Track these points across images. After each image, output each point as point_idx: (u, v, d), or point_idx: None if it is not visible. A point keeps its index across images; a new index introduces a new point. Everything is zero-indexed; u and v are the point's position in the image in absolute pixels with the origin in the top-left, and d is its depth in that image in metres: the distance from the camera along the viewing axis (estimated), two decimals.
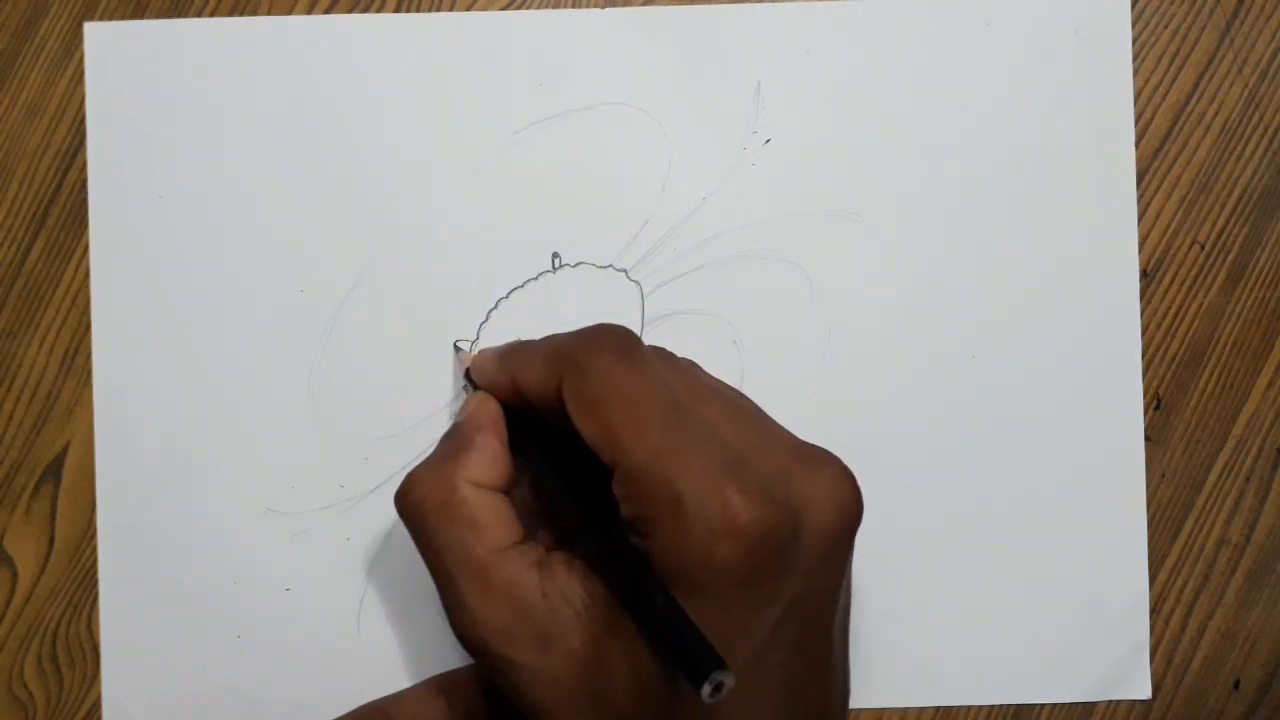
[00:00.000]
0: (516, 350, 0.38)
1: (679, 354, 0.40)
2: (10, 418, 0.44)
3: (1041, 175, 0.44)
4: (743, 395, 0.38)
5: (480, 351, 0.40)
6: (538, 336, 0.43)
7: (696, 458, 0.32)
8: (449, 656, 0.43)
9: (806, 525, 0.32)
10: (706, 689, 0.28)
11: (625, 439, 0.32)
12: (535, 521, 0.38)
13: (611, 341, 0.35)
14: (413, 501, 0.36)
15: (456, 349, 0.44)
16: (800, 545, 0.32)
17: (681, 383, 0.35)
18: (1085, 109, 0.44)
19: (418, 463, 0.43)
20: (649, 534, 0.32)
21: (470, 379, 0.40)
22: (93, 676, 0.44)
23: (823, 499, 0.33)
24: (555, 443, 0.37)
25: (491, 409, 0.38)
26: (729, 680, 0.28)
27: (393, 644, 0.44)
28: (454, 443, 0.37)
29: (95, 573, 0.44)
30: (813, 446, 0.35)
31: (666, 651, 0.30)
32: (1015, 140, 0.44)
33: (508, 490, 0.36)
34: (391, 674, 0.44)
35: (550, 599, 0.33)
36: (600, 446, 0.33)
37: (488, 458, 0.36)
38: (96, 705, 0.44)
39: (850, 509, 0.34)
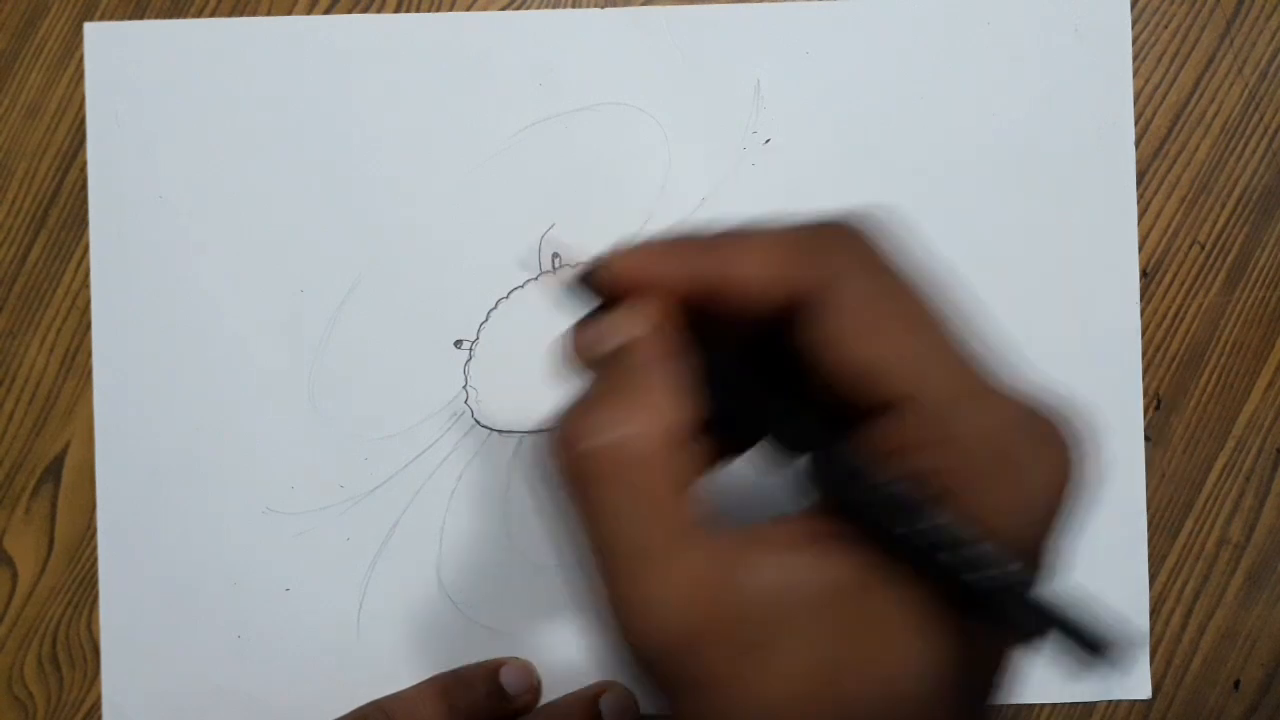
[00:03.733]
0: (723, 242, 0.28)
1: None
2: (10, 418, 0.44)
3: (1041, 174, 0.44)
4: None
5: (636, 245, 0.29)
6: (538, 339, 0.43)
7: (1006, 404, 0.26)
8: (449, 657, 0.43)
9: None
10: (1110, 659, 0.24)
11: (930, 371, 0.26)
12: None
13: (872, 246, 0.28)
14: (584, 456, 0.26)
15: (555, 256, 0.42)
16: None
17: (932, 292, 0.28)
18: (1085, 108, 0.44)
19: (418, 462, 0.44)
20: (957, 490, 0.25)
21: (586, 286, 0.29)
22: (93, 676, 0.44)
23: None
24: (762, 370, 0.29)
25: (665, 327, 0.28)
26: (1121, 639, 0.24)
27: (392, 644, 0.44)
28: (631, 376, 0.27)
29: (95, 573, 0.44)
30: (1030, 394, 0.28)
31: (1060, 640, 0.24)
32: (1015, 139, 0.44)
33: (698, 441, 0.28)
34: (391, 674, 0.44)
35: (768, 586, 0.25)
36: (882, 381, 0.26)
37: (677, 399, 0.27)
38: (96, 705, 0.44)
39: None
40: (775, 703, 0.24)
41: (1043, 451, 0.26)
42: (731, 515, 0.27)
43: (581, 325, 0.29)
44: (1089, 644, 0.24)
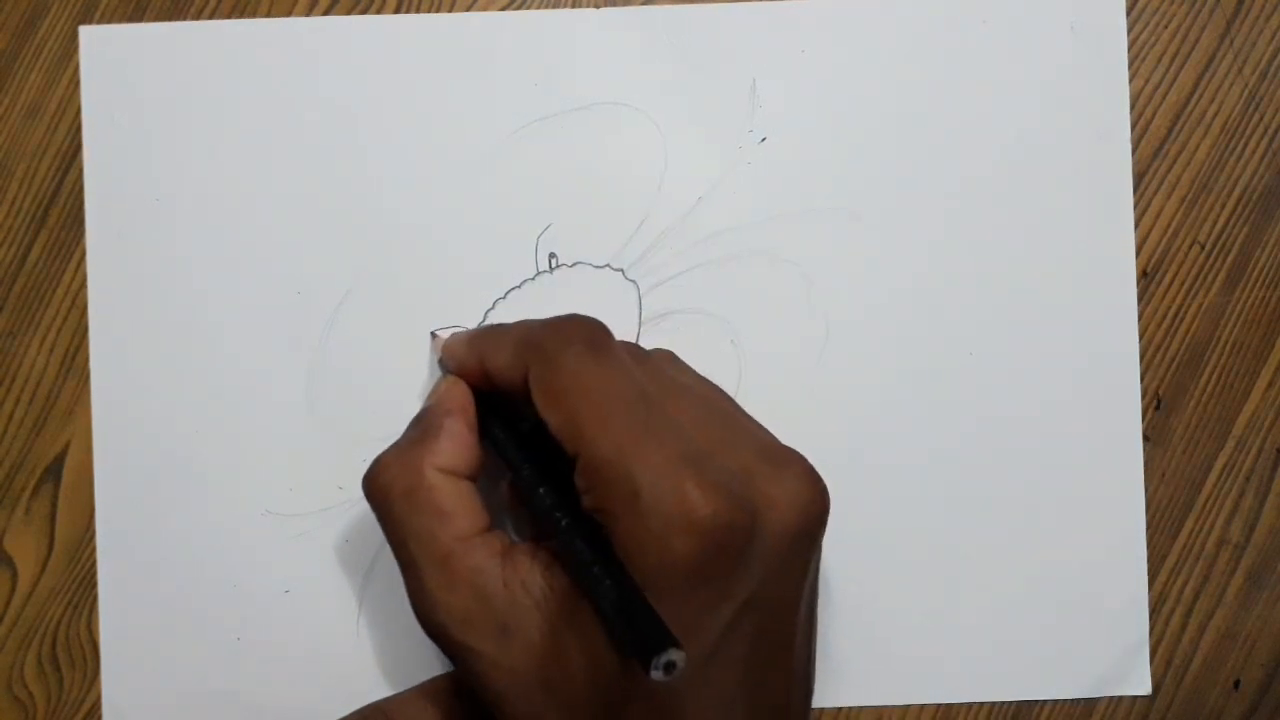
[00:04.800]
0: (486, 334, 0.38)
1: (678, 353, 0.40)
2: (10, 418, 0.44)
3: (1038, 173, 0.44)
4: (718, 391, 0.38)
5: (453, 334, 0.40)
6: None
7: (656, 451, 0.32)
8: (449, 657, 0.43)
9: (767, 524, 0.32)
10: (658, 669, 0.28)
11: (588, 430, 0.32)
12: (504, 508, 0.39)
13: (580, 332, 0.35)
14: (379, 486, 0.36)
15: (433, 335, 0.43)
16: (759, 544, 0.32)
17: (650, 377, 0.35)
18: (1081, 106, 0.44)
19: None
20: (609, 527, 0.32)
21: (444, 362, 0.40)
22: (93, 676, 0.44)
23: (785, 498, 0.33)
24: (523, 430, 0.37)
25: (461, 393, 0.38)
26: (680, 658, 0.28)
27: (392, 646, 0.44)
28: (422, 428, 0.37)
29: (95, 573, 0.44)
30: (781, 446, 0.35)
31: (619, 630, 0.30)
32: (1011, 138, 0.44)
33: (474, 477, 0.37)
34: (391, 676, 0.44)
35: (511, 588, 0.34)
36: (564, 437, 0.33)
37: (455, 444, 0.36)
38: (96, 705, 0.44)
39: (813, 510, 0.34)
40: (517, 670, 0.33)
41: (684, 501, 0.31)
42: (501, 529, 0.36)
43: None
44: (641, 649, 0.29)
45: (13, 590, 0.44)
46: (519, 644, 0.33)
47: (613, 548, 0.32)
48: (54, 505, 0.44)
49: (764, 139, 0.44)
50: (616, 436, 0.32)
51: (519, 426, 0.37)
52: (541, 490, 0.35)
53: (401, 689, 0.43)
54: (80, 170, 0.44)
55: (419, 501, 0.35)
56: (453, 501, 0.35)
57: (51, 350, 0.44)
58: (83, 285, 0.44)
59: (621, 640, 0.31)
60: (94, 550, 0.44)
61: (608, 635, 0.31)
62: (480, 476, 0.37)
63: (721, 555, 0.31)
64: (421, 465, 0.35)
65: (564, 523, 0.34)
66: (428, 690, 0.42)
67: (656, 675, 0.28)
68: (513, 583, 0.34)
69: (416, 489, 0.35)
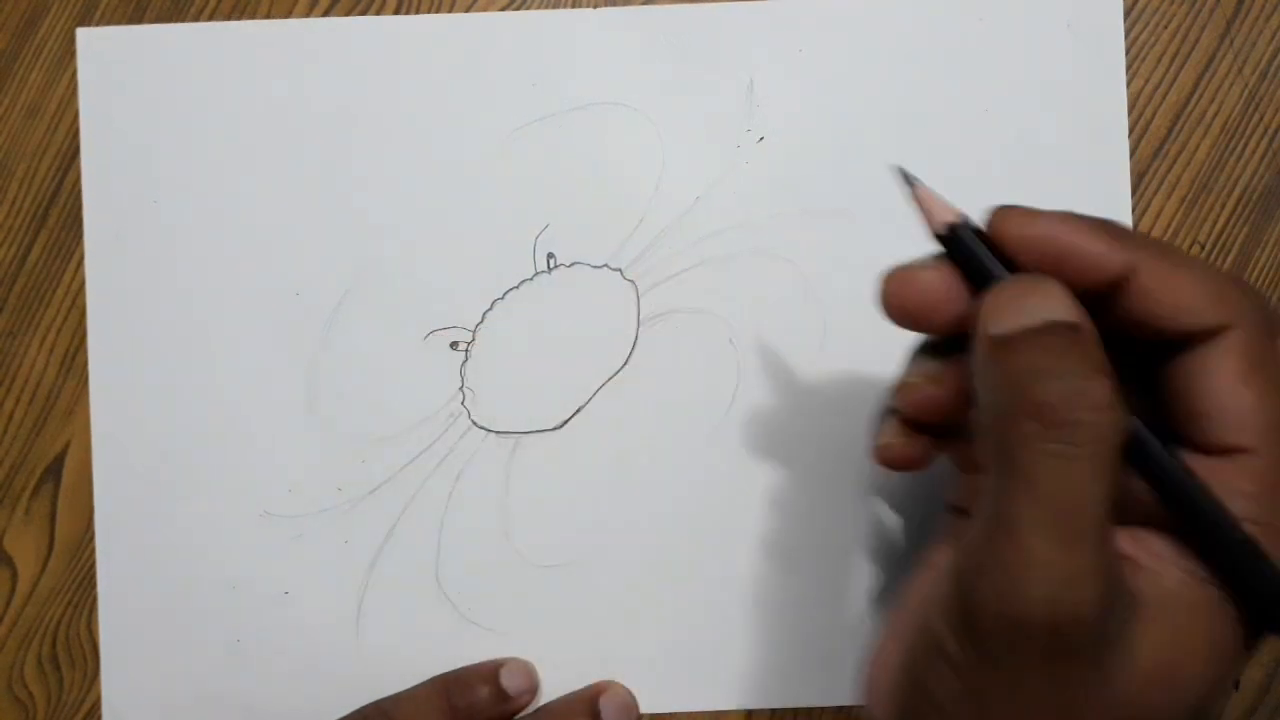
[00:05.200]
0: (1150, 240, 0.30)
1: (675, 353, 0.40)
2: (10, 418, 0.44)
3: (1035, 170, 0.44)
4: None
5: (1013, 208, 0.30)
6: (535, 337, 0.43)
7: None
8: (448, 657, 0.43)
9: None
10: None
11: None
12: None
13: (1274, 316, 0.29)
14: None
15: (913, 183, 0.32)
16: None
17: None
18: (1078, 104, 0.44)
19: (416, 463, 0.44)
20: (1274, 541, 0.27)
21: (966, 243, 0.30)
22: (93, 676, 0.44)
23: None
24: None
25: (1107, 383, 0.28)
26: None
27: (391, 646, 0.44)
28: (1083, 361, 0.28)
29: (95, 573, 0.44)
30: None
31: None
32: (1008, 136, 0.44)
33: None
34: (390, 676, 0.44)
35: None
36: (1249, 423, 0.28)
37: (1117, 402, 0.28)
38: (96, 705, 0.44)
39: None
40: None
41: None
42: None
43: (1018, 283, 0.29)
44: None
45: (13, 590, 0.44)
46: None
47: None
48: (54, 505, 0.44)
49: (762, 138, 0.44)
50: None
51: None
52: (1189, 492, 0.28)
53: (401, 688, 0.43)
54: (80, 170, 0.44)
55: (1102, 451, 0.27)
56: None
57: (51, 350, 0.44)
58: (82, 285, 0.44)
59: None
60: (94, 550, 0.44)
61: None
62: None
63: None
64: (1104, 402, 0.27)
65: (1223, 519, 0.28)
66: (428, 690, 0.42)
67: None
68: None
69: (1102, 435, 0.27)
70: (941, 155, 0.44)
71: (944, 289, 0.30)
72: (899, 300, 0.31)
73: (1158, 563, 0.28)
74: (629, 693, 0.43)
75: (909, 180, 0.31)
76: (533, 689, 0.43)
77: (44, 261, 0.44)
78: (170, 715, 0.44)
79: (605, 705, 0.43)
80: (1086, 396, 0.27)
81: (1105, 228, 0.29)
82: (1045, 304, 0.28)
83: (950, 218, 0.30)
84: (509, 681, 0.43)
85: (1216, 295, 0.28)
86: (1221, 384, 0.28)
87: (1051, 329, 0.27)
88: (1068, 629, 0.26)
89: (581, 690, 0.43)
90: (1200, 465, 0.28)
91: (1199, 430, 0.28)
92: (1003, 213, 0.30)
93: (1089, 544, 0.26)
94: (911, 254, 0.43)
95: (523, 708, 0.43)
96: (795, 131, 0.44)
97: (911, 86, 0.44)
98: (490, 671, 0.43)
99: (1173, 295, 0.28)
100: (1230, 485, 0.27)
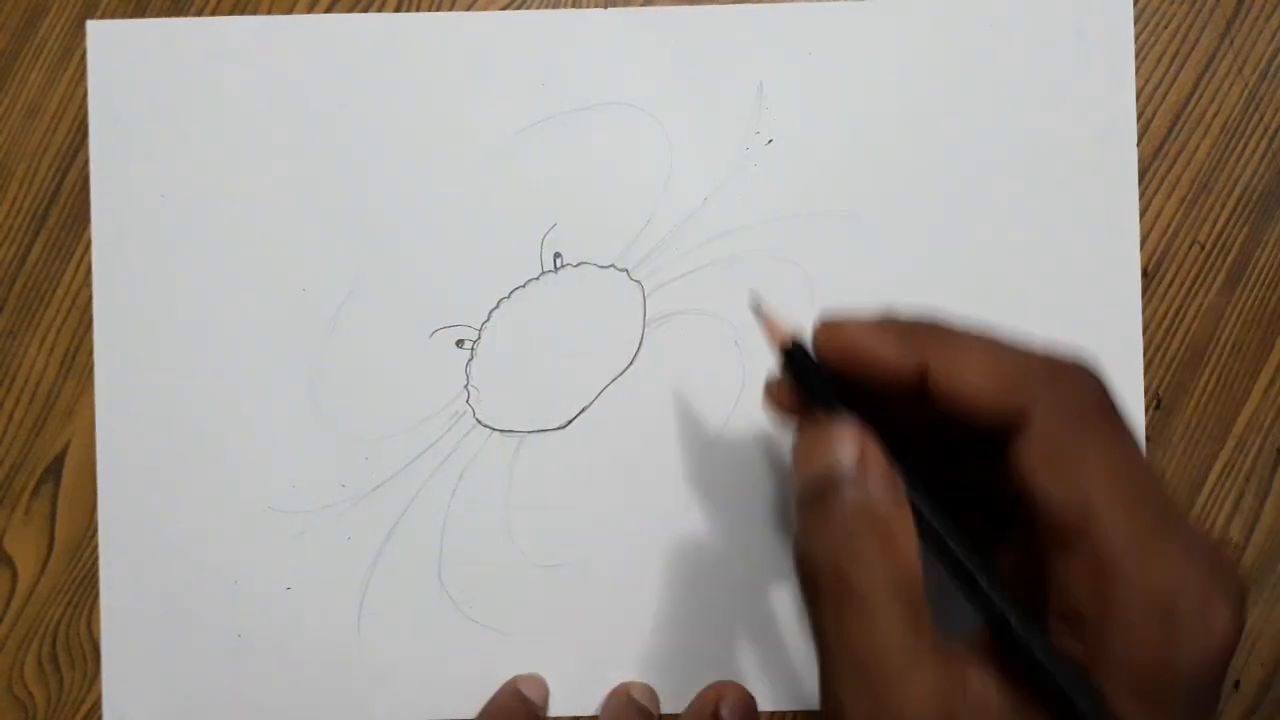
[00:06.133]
0: (936, 333, 0.31)
1: (681, 354, 0.40)
2: (10, 418, 0.44)
3: (1043, 175, 0.44)
4: None
5: (827, 319, 0.32)
6: (541, 336, 0.43)
7: (1181, 554, 0.27)
8: (449, 657, 0.43)
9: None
10: None
11: (1105, 514, 0.27)
12: None
13: (1094, 389, 0.29)
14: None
15: (759, 306, 0.35)
16: None
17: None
18: (1087, 110, 0.44)
19: (419, 461, 0.44)
20: (1093, 629, 0.27)
21: (796, 359, 0.33)
22: (92, 676, 0.44)
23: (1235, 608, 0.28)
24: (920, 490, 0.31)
25: (876, 449, 0.30)
26: None
27: (393, 643, 0.44)
28: (870, 509, 0.29)
29: (95, 573, 0.44)
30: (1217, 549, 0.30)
31: None
32: (1017, 140, 0.44)
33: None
34: (391, 674, 0.44)
35: (970, 706, 0.28)
36: (1060, 514, 0.28)
37: (908, 529, 0.29)
38: (96, 705, 0.44)
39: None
40: None
41: (1211, 612, 0.27)
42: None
43: (806, 434, 0.31)
44: None
45: (13, 590, 0.44)
46: None
47: (1084, 668, 0.27)
48: (54, 505, 0.44)
49: (770, 141, 0.44)
50: (1141, 528, 0.27)
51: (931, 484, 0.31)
52: (986, 581, 0.29)
53: (402, 686, 0.43)
54: (80, 169, 0.44)
55: (884, 603, 0.28)
56: (920, 598, 0.29)
57: (51, 350, 0.44)
58: (83, 285, 0.44)
59: None
60: (94, 550, 0.44)
61: None
62: None
63: (1226, 666, 0.27)
64: (888, 562, 0.29)
65: (1023, 625, 0.28)
66: None
67: None
68: (977, 690, 0.28)
69: (884, 587, 0.28)
70: (949, 159, 0.44)
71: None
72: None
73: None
74: (748, 693, 0.43)
75: (757, 302, 0.35)
76: (546, 696, 0.44)
77: (44, 261, 0.44)
78: (171, 710, 0.43)
79: (727, 711, 0.42)
80: (863, 552, 0.28)
81: (898, 330, 0.30)
82: (833, 451, 0.30)
83: (784, 338, 0.33)
84: (529, 693, 0.43)
85: (1007, 385, 0.29)
86: (1025, 479, 0.28)
87: (826, 487, 0.29)
88: None
89: (700, 700, 0.43)
90: (1066, 573, 0.28)
91: (1041, 523, 0.29)
92: (820, 326, 0.32)
93: (894, 687, 0.27)
94: (918, 256, 0.44)
95: (544, 717, 0.43)
96: (804, 134, 0.44)
97: (920, 91, 0.44)
98: (514, 688, 0.43)
99: (961, 390, 0.29)
100: (1063, 580, 0.28)
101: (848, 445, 0.30)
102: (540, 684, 0.43)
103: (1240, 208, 0.45)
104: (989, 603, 0.29)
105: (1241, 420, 0.45)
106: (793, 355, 0.33)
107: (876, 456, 0.30)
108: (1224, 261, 0.45)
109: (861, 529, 0.28)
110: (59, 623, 0.44)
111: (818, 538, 0.29)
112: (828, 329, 0.32)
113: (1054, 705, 0.27)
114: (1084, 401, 0.29)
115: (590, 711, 0.44)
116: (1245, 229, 0.45)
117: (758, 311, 0.34)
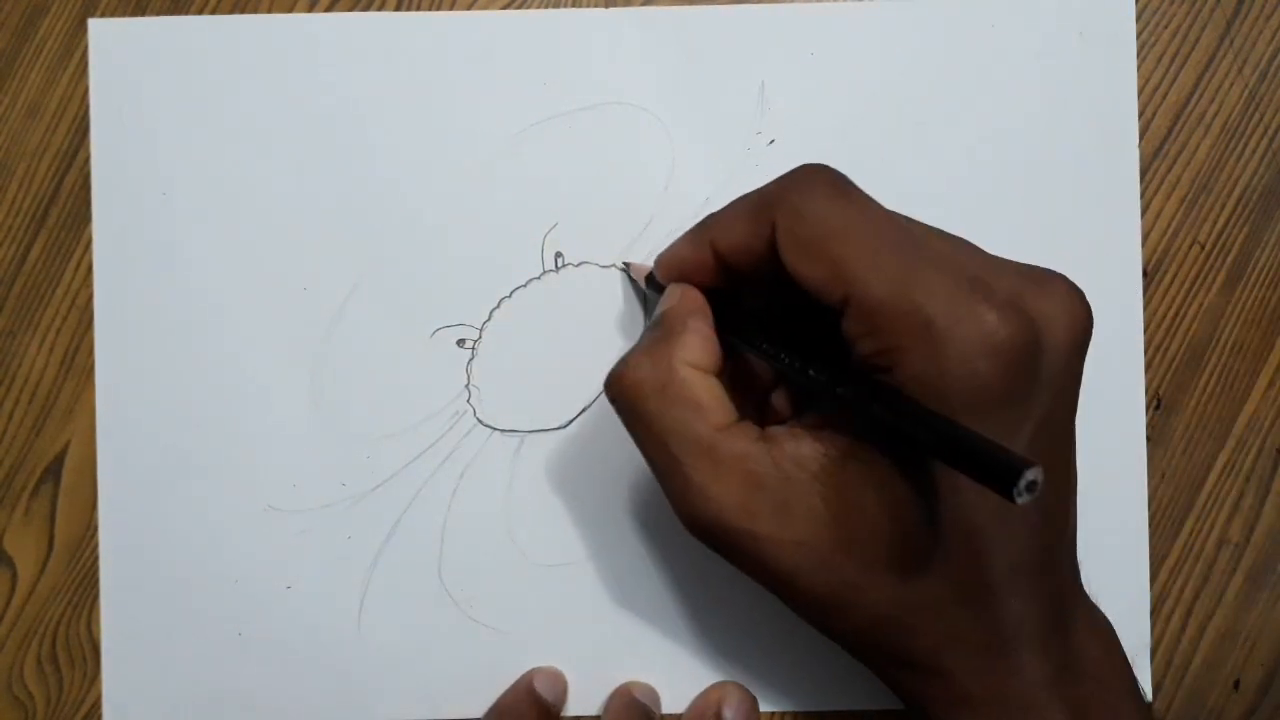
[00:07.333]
0: (710, 221, 0.37)
1: None
2: (10, 418, 0.44)
3: (1045, 177, 0.44)
4: None
5: (666, 248, 0.39)
6: (542, 335, 0.43)
7: (939, 279, 0.31)
8: (449, 656, 0.43)
9: (1048, 341, 0.32)
10: (1021, 493, 0.27)
11: (858, 271, 0.31)
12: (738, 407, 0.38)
13: (823, 177, 0.34)
14: (630, 384, 0.35)
15: (627, 265, 0.44)
16: (1044, 360, 0.32)
17: (900, 215, 0.34)
18: (1088, 111, 0.44)
19: (420, 460, 0.44)
20: (896, 364, 0.31)
21: (653, 283, 0.40)
22: (92, 676, 0.44)
23: (1059, 314, 0.32)
24: (756, 320, 0.37)
25: (695, 295, 0.37)
26: (1039, 475, 0.27)
27: (393, 642, 0.44)
28: (664, 329, 0.36)
29: (95, 573, 0.44)
30: (1038, 267, 0.34)
31: (965, 466, 0.29)
32: (1019, 142, 0.44)
33: (720, 374, 0.36)
34: (391, 673, 0.43)
35: (782, 466, 0.33)
36: (826, 286, 0.32)
37: (702, 341, 0.35)
38: (96, 705, 0.44)
39: (1083, 322, 0.33)
40: (805, 542, 0.33)
41: (972, 315, 0.31)
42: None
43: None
44: (1000, 475, 0.28)
45: (13, 590, 0.44)
46: (802, 517, 0.33)
47: (899, 392, 0.31)
48: (54, 505, 0.44)
49: (772, 141, 0.44)
50: (891, 272, 0.31)
51: (750, 318, 0.37)
52: (804, 361, 0.34)
53: (403, 685, 0.43)
54: (80, 169, 0.44)
55: (674, 396, 0.34)
56: (708, 395, 0.34)
57: (51, 350, 0.44)
58: (83, 285, 0.44)
59: (971, 472, 0.29)
60: (94, 550, 0.44)
61: (909, 482, 0.32)
62: (724, 373, 0.36)
63: (1021, 375, 0.31)
64: (673, 361, 0.35)
65: (853, 376, 0.33)
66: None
67: (1021, 499, 0.27)
68: (783, 460, 0.33)
69: (669, 384, 0.34)
70: (951, 160, 0.44)
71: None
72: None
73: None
74: (749, 694, 0.43)
75: (625, 265, 0.44)
76: (564, 693, 0.43)
77: (44, 261, 0.44)
78: (171, 709, 0.43)
79: (729, 713, 0.43)
80: (661, 360, 0.35)
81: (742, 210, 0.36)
82: (663, 300, 0.38)
83: (644, 274, 0.42)
84: (544, 690, 0.43)
85: (751, 220, 0.35)
86: (799, 270, 0.33)
87: (655, 324, 0.37)
88: (715, 528, 0.33)
89: (701, 701, 0.43)
90: (853, 327, 0.32)
91: (825, 303, 0.33)
92: (662, 256, 0.39)
93: (697, 464, 0.33)
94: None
95: (559, 714, 0.43)
96: (805, 135, 0.44)
97: (922, 91, 0.44)
98: (528, 687, 0.43)
99: (728, 241, 0.36)
100: (855, 332, 0.32)
101: (673, 292, 0.37)
102: (557, 678, 0.43)
103: (1240, 208, 0.45)
104: (812, 380, 0.34)
105: (1241, 420, 0.45)
106: (650, 279, 0.41)
107: (691, 295, 0.37)
108: (1224, 261, 0.45)
109: (665, 345, 0.35)
110: (59, 623, 0.44)
111: (642, 365, 0.35)
112: (654, 267, 0.40)
113: (897, 427, 0.31)
114: (816, 187, 0.33)
115: (592, 711, 0.44)
116: (1245, 229, 0.45)
117: (626, 270, 0.44)
